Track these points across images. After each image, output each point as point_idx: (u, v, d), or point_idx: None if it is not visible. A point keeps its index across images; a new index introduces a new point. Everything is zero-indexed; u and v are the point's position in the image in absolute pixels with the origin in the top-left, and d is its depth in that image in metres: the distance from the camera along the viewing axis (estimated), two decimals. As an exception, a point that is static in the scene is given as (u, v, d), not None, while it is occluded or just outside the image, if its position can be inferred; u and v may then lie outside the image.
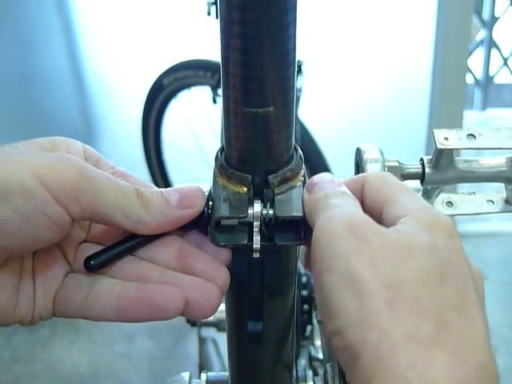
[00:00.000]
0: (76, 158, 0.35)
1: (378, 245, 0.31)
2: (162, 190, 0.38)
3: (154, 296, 0.36)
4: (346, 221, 0.32)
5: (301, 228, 0.37)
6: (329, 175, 0.37)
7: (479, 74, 2.93)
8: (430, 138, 2.03)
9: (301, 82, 1.37)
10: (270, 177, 0.37)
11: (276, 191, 0.37)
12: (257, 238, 0.37)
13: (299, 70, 1.38)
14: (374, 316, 0.29)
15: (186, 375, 0.61)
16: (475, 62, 2.84)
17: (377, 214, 0.34)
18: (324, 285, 0.31)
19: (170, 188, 0.38)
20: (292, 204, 0.37)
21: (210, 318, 1.12)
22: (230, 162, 0.38)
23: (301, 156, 0.39)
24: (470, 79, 2.86)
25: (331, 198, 0.34)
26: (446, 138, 0.43)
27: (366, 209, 0.35)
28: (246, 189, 0.37)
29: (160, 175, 1.86)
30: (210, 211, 0.37)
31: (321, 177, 0.37)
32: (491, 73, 2.94)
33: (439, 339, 0.28)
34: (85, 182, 0.34)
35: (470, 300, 0.30)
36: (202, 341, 1.20)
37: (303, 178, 0.38)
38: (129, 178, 0.40)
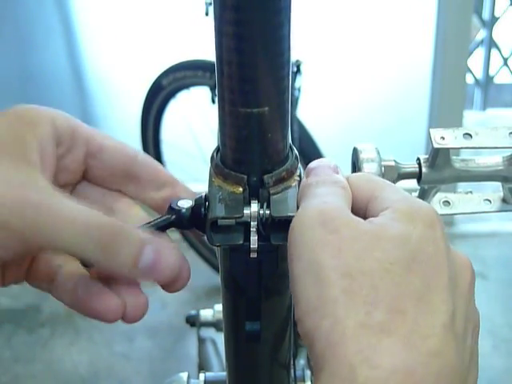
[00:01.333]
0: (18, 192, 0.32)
1: (347, 235, 0.31)
2: (147, 237, 0.35)
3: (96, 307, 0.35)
4: (318, 211, 0.32)
5: None
6: (328, 161, 0.38)
7: (479, 74, 2.93)
8: (430, 137, 2.02)
9: (300, 81, 1.37)
10: (265, 177, 0.37)
11: (271, 191, 0.37)
12: (254, 238, 0.37)
13: (298, 70, 1.38)
14: (329, 304, 0.30)
15: (184, 375, 0.62)
16: (475, 62, 2.84)
17: (362, 212, 0.35)
18: (292, 272, 0.32)
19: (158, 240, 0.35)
20: (287, 204, 0.37)
21: (210, 319, 1.12)
22: (226, 162, 0.38)
23: (296, 156, 0.39)
24: (470, 79, 2.86)
25: (318, 187, 0.35)
26: (443, 138, 0.43)
27: (352, 209, 0.35)
28: (241, 189, 0.37)
29: (160, 175, 1.85)
30: (206, 211, 0.38)
31: (319, 162, 0.38)
32: (491, 73, 2.94)
33: (390, 326, 0.29)
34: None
35: (436, 289, 0.31)
36: (201, 341, 1.20)
37: (299, 178, 0.38)
38: (176, 186, 0.40)
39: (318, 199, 0.34)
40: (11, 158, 0.34)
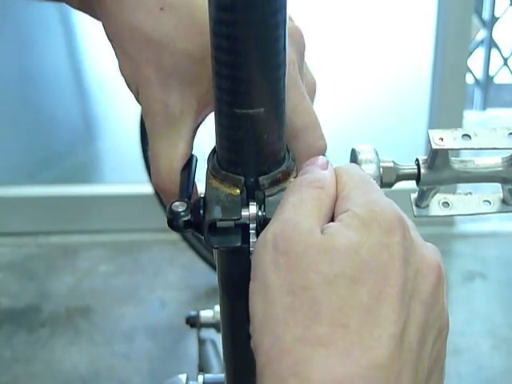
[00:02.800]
0: None
1: (296, 253, 0.31)
2: None
3: None
4: (274, 235, 0.32)
5: None
6: (322, 159, 0.37)
7: (479, 74, 2.93)
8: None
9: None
10: (260, 178, 0.37)
11: (267, 193, 0.37)
12: (253, 241, 0.37)
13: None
14: (271, 322, 0.30)
15: (183, 377, 0.61)
16: (475, 61, 2.84)
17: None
18: (249, 291, 0.33)
19: None
20: None
21: (210, 320, 1.12)
22: (222, 164, 0.38)
23: (293, 157, 0.39)
24: (470, 79, 2.86)
25: (293, 194, 0.35)
26: (441, 139, 0.43)
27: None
28: (238, 191, 0.37)
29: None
30: (204, 214, 0.37)
31: (313, 161, 0.37)
32: (491, 73, 2.93)
33: (329, 339, 0.29)
34: None
35: (386, 299, 0.30)
36: (201, 342, 1.19)
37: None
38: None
39: (283, 215, 0.33)
40: None
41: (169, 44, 0.38)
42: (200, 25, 0.37)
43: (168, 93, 0.39)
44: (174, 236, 1.93)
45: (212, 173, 0.38)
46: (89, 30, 2.31)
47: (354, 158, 0.44)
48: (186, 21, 0.38)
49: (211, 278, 1.86)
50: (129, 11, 0.38)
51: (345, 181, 0.35)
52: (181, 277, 1.97)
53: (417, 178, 0.45)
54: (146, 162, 1.85)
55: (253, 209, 0.37)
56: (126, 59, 0.40)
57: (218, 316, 1.06)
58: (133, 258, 2.04)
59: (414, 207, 0.48)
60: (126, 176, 2.21)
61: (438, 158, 0.44)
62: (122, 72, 0.41)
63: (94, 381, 1.63)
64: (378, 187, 0.36)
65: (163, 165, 0.40)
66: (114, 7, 0.38)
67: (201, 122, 0.42)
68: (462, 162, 0.46)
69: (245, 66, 0.33)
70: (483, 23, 2.82)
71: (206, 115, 0.41)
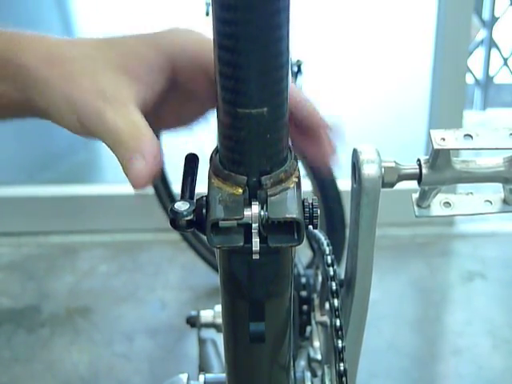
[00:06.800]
0: None
1: None
2: None
3: None
4: None
5: (294, 230, 0.37)
6: None
7: (479, 74, 2.93)
8: (430, 137, 2.03)
9: (301, 81, 1.37)
10: (262, 178, 0.37)
11: (269, 192, 0.37)
12: (256, 240, 0.37)
13: (299, 70, 1.38)
14: None
15: (183, 377, 0.61)
16: (475, 61, 2.84)
17: None
18: None
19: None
20: (285, 206, 0.37)
21: (210, 319, 1.12)
22: (225, 163, 0.38)
23: (295, 157, 0.39)
24: (470, 79, 2.86)
25: None
26: (443, 139, 0.43)
27: None
28: (241, 190, 0.37)
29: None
30: (206, 213, 0.37)
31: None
32: (491, 73, 2.93)
33: None
34: None
35: None
36: (201, 342, 1.19)
37: (297, 180, 0.38)
38: None
39: None
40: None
41: (82, 52, 0.44)
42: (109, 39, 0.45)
43: (100, 81, 0.43)
44: (174, 236, 1.93)
45: (214, 172, 0.38)
46: (89, 30, 2.31)
47: (355, 158, 0.45)
48: (96, 42, 0.45)
49: (211, 277, 1.86)
50: (44, 48, 0.45)
51: None
52: (181, 277, 1.97)
53: (418, 178, 0.45)
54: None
55: (255, 208, 0.37)
56: (51, 86, 0.44)
57: (219, 316, 1.06)
58: (133, 258, 2.04)
59: (416, 207, 0.48)
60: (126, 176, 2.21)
61: (439, 158, 0.44)
62: (55, 101, 0.45)
63: (94, 381, 1.63)
64: None
65: (127, 131, 0.43)
66: (26, 54, 0.45)
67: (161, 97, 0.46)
68: (463, 162, 0.46)
69: (248, 66, 0.33)
70: (483, 23, 2.82)
71: (151, 88, 0.45)
